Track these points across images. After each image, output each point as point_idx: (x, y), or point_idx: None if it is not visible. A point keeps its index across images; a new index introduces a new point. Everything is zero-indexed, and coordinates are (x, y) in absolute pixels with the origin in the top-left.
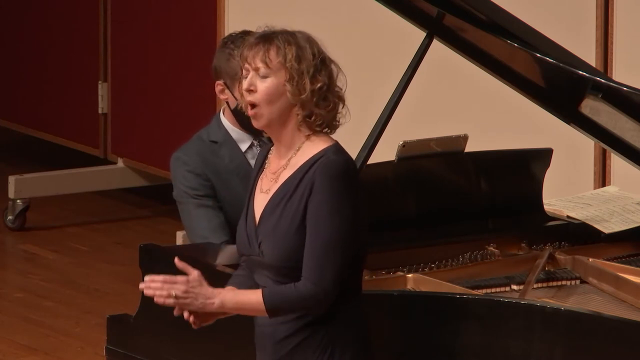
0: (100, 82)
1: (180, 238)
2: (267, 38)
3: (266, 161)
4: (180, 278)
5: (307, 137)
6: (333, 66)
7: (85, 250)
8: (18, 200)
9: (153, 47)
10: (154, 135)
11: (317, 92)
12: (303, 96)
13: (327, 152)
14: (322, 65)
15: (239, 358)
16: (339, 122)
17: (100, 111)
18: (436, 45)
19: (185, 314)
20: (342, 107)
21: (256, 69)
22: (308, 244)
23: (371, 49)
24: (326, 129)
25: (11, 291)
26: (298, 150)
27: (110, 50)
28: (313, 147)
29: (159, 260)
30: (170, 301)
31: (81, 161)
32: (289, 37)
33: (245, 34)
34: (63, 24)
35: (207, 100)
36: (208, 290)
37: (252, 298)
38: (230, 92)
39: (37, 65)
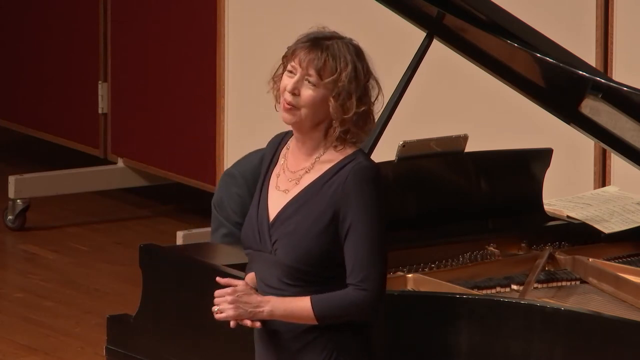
0: (100, 82)
1: (180, 238)
2: (324, 45)
3: (280, 156)
4: (228, 289)
5: (332, 143)
6: (376, 80)
7: (85, 250)
8: (18, 200)
9: (153, 47)
10: (154, 135)
11: (359, 113)
12: (346, 116)
13: (357, 156)
14: (371, 85)
15: (238, 358)
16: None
17: (100, 111)
18: (436, 45)
19: (248, 322)
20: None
21: (307, 76)
22: (352, 250)
23: (371, 49)
24: (354, 140)
25: (11, 291)
26: (322, 154)
27: (110, 50)
28: (338, 152)
29: (159, 260)
30: (221, 316)
31: (81, 161)
32: (345, 51)
33: None
34: (63, 24)
35: (207, 100)
36: (257, 298)
37: (301, 305)
38: None
39: (37, 65)
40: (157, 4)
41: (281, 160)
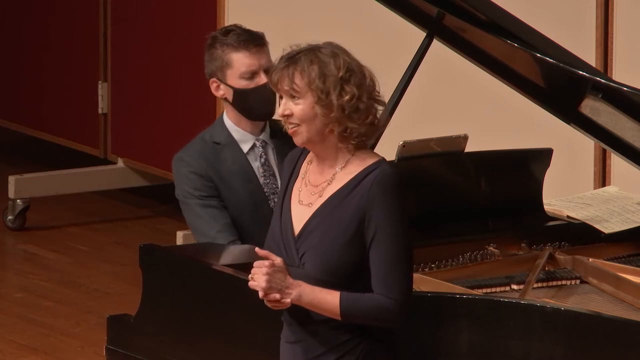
0: (100, 82)
1: (180, 238)
2: (292, 60)
3: (300, 170)
4: (266, 262)
5: (352, 153)
6: (365, 71)
7: (85, 250)
8: (18, 200)
9: (153, 47)
10: (154, 135)
11: (346, 105)
12: (333, 114)
13: (381, 165)
14: (350, 76)
15: (239, 358)
16: (378, 127)
17: (100, 111)
18: (436, 45)
19: (277, 296)
20: (381, 110)
21: (287, 94)
22: (377, 259)
23: (371, 49)
24: (367, 140)
25: (11, 291)
26: (344, 166)
27: (110, 50)
28: (359, 162)
29: (159, 260)
30: (252, 284)
31: (81, 161)
32: (312, 56)
33: (223, 27)
34: (63, 24)
35: (207, 100)
36: (289, 280)
37: (329, 299)
38: (224, 83)
39: (37, 65)
40: (157, 4)
41: (302, 175)
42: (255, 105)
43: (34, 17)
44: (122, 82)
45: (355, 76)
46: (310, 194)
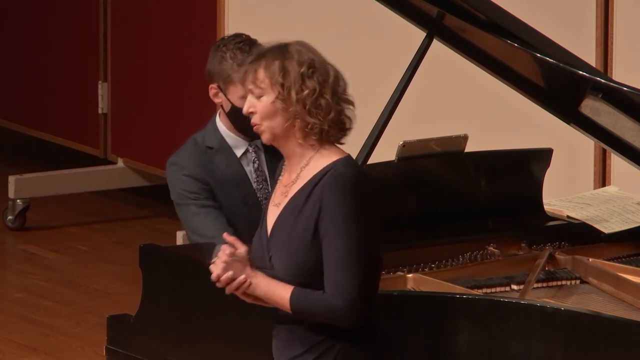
0: (100, 82)
1: (180, 238)
2: (258, 57)
3: (281, 174)
4: (228, 251)
5: (317, 150)
6: (330, 69)
7: (85, 250)
8: (18, 200)
9: (153, 47)
10: (154, 135)
11: (306, 100)
12: (291, 109)
13: (337, 164)
14: (312, 72)
15: (239, 358)
16: (347, 126)
17: (100, 111)
18: (436, 45)
19: (241, 277)
20: (351, 110)
21: (251, 91)
22: (326, 259)
23: (371, 49)
24: (332, 137)
25: (11, 291)
26: (307, 164)
27: (110, 50)
28: (322, 160)
29: (159, 260)
30: (211, 267)
31: (81, 161)
32: (277, 52)
33: (238, 37)
34: (63, 23)
35: (207, 100)
36: (247, 270)
37: (282, 293)
38: (224, 94)
39: (37, 65)
40: (157, 4)
41: (280, 178)
42: (248, 126)
43: (34, 17)
44: (122, 82)
45: (318, 72)
46: (280, 194)
